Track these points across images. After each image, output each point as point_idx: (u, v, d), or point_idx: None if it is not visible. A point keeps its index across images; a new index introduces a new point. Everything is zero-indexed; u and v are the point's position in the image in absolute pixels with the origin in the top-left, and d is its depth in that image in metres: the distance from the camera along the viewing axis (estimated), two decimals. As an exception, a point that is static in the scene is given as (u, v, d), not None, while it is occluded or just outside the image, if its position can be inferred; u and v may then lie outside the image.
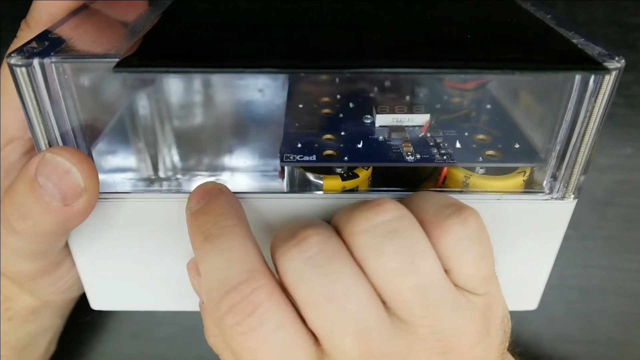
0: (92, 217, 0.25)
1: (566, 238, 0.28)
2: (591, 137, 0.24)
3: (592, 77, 0.23)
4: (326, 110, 0.31)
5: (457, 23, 0.25)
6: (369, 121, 0.30)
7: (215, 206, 0.24)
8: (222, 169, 0.34)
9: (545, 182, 0.27)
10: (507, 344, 0.26)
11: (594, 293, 0.45)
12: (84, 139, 0.25)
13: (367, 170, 0.27)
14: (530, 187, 0.27)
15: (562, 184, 0.26)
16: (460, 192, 0.27)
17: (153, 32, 0.23)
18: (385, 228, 0.22)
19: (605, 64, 0.21)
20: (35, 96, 0.23)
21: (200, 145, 0.36)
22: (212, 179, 0.34)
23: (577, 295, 0.45)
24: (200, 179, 0.34)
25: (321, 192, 0.27)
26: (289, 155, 0.27)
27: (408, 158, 0.27)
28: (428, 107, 0.30)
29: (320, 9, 0.26)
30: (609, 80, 0.22)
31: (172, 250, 0.28)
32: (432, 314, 0.22)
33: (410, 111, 0.29)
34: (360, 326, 0.21)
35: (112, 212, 0.27)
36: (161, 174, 0.36)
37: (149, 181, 0.35)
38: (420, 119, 0.29)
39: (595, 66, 0.21)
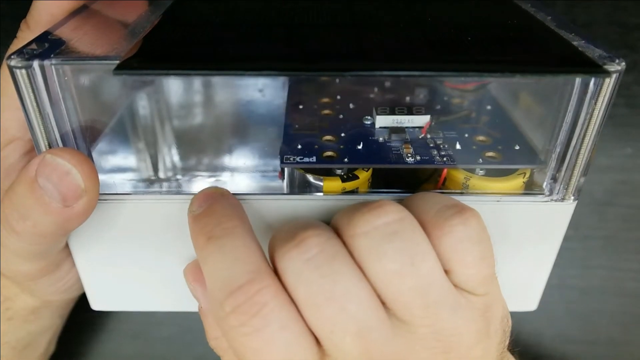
0: (92, 218, 0.25)
1: (566, 238, 0.28)
2: (591, 139, 0.24)
3: (593, 80, 0.23)
4: (326, 111, 0.31)
5: (457, 24, 0.25)
6: (369, 122, 0.30)
7: (217, 208, 0.24)
8: (222, 169, 0.34)
9: (545, 183, 0.27)
10: (506, 344, 0.26)
11: (594, 293, 0.45)
12: (84, 140, 0.25)
13: (367, 171, 0.27)
14: (530, 188, 0.27)
15: (562, 186, 0.26)
16: (460, 193, 0.27)
17: (153, 34, 0.23)
18: (386, 230, 0.22)
19: (606, 66, 0.21)
20: (35, 98, 0.23)
21: (200, 145, 0.36)
22: (212, 179, 0.34)
23: (577, 295, 0.45)
24: (201, 180, 0.34)
25: (321, 194, 0.27)
26: (289, 156, 0.27)
27: (408, 160, 0.27)
28: (428, 108, 0.30)
29: (321, 9, 0.26)
30: (609, 83, 0.22)
31: (172, 251, 0.28)
32: (432, 315, 0.22)
33: (411, 112, 0.29)
34: (360, 326, 0.21)
35: (112, 213, 0.27)
36: (161, 175, 0.36)
37: (149, 182, 0.35)
38: (420, 120, 0.29)
39: (596, 69, 0.21)
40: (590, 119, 0.24)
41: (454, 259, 0.22)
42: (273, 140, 0.31)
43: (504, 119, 0.30)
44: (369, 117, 0.30)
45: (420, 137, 0.29)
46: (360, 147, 0.28)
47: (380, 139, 0.28)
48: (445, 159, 0.27)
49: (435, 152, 0.27)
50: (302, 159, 0.27)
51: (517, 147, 0.28)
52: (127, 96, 0.34)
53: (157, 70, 0.20)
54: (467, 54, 0.21)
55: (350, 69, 0.20)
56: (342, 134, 0.29)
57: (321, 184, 0.27)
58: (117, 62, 0.20)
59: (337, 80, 0.34)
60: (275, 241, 0.23)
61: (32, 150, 0.28)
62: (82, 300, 0.32)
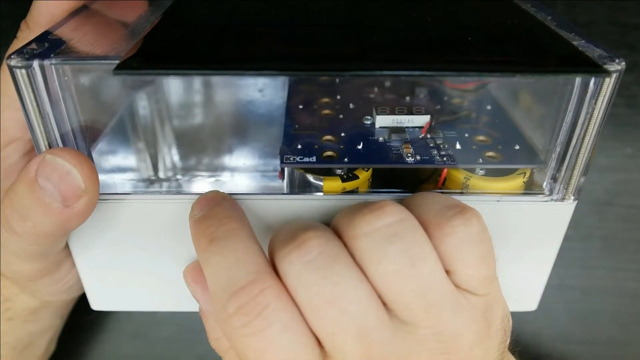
0: (92, 218, 0.25)
1: (566, 238, 0.28)
2: (591, 139, 0.24)
3: (593, 80, 0.23)
4: (326, 111, 0.31)
5: (458, 25, 0.25)
6: (369, 122, 0.30)
7: (219, 211, 0.24)
8: (222, 169, 0.34)
9: (545, 183, 0.27)
10: (507, 344, 0.26)
11: (594, 293, 0.45)
12: (84, 140, 0.25)
13: (367, 171, 0.27)
14: (530, 188, 0.27)
15: (562, 186, 0.26)
16: (460, 193, 0.27)
17: (153, 34, 0.23)
18: (387, 231, 0.22)
19: (606, 66, 0.21)
20: (35, 98, 0.23)
21: (200, 145, 0.36)
22: (212, 179, 0.34)
23: (577, 295, 0.45)
24: (201, 180, 0.34)
25: (321, 194, 0.27)
26: (289, 156, 0.27)
27: (408, 159, 0.27)
28: (428, 108, 0.30)
29: (321, 10, 0.26)
30: (609, 83, 0.22)
31: (172, 251, 0.28)
32: (433, 316, 0.22)
33: (411, 112, 0.29)
34: (361, 328, 0.21)
35: (112, 213, 0.27)
36: (161, 175, 0.36)
37: (149, 182, 0.35)
38: (421, 120, 0.29)
39: (596, 69, 0.21)
40: (590, 118, 0.24)
41: (455, 260, 0.22)
42: (273, 140, 0.31)
43: (504, 119, 0.30)
44: (369, 117, 0.30)
45: (420, 137, 0.29)
46: (360, 147, 0.28)
47: (380, 138, 0.28)
48: (445, 158, 0.27)
49: (435, 152, 0.27)
50: (302, 158, 0.27)
51: (517, 147, 0.28)
52: (127, 96, 0.34)
53: (157, 71, 0.20)
54: (467, 54, 0.21)
55: (350, 69, 0.20)
56: (342, 134, 0.29)
57: (321, 183, 0.27)
58: (117, 62, 0.20)
59: (337, 80, 0.34)
60: (275, 243, 0.23)
61: (32, 151, 0.28)
62: (82, 300, 0.32)
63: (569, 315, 0.45)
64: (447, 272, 0.23)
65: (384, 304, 0.22)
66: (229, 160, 0.35)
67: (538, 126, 0.28)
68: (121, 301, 0.31)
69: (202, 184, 0.34)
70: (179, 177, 0.35)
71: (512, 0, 0.28)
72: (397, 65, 0.20)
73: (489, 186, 0.27)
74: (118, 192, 0.26)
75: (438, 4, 0.27)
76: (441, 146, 0.28)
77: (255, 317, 0.21)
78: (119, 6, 0.28)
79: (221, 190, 0.25)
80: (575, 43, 0.23)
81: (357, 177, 0.27)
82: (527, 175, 0.27)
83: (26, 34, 0.27)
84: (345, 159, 0.27)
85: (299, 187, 0.28)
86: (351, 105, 0.31)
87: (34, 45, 0.23)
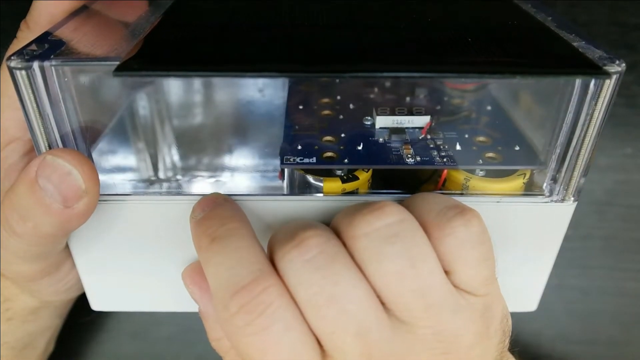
0: (92, 218, 0.25)
1: (566, 238, 0.28)
2: (591, 140, 0.24)
3: (593, 81, 0.23)
4: (326, 112, 0.31)
5: (458, 25, 0.25)
6: (369, 123, 0.30)
7: (220, 211, 0.24)
8: (222, 169, 0.34)
9: (545, 184, 0.27)
10: (506, 344, 0.26)
11: (594, 293, 0.45)
12: (84, 140, 0.25)
13: (367, 172, 0.27)
14: (530, 189, 0.27)
15: (562, 187, 0.26)
16: (460, 194, 0.27)
17: (153, 35, 0.23)
18: (387, 232, 0.22)
19: (606, 67, 0.21)
20: (35, 99, 0.23)
21: (200, 146, 0.36)
22: (212, 179, 0.34)
23: (577, 295, 0.45)
24: (201, 180, 0.34)
25: (321, 194, 0.27)
26: (289, 157, 0.27)
27: (408, 160, 0.27)
28: (428, 109, 0.30)
29: (321, 10, 0.26)
30: (609, 84, 0.22)
31: (172, 251, 0.28)
32: (433, 316, 0.22)
33: (411, 113, 0.29)
34: (360, 327, 0.21)
35: (113, 214, 0.27)
36: (161, 175, 0.36)
37: (149, 182, 0.35)
38: (421, 121, 0.29)
39: (596, 70, 0.21)
40: (590, 120, 0.24)
41: (455, 260, 0.22)
42: (273, 140, 0.31)
43: (504, 120, 0.30)
44: (369, 118, 0.30)
45: (420, 137, 0.29)
46: (360, 147, 0.28)
47: (381, 139, 0.28)
48: (445, 159, 0.27)
49: (436, 153, 0.27)
50: (302, 159, 0.27)
51: (517, 148, 0.28)
52: (127, 96, 0.34)
53: (157, 72, 0.20)
54: (468, 54, 0.21)
55: (350, 70, 0.20)
56: (342, 135, 0.29)
57: (321, 184, 0.27)
58: (117, 63, 0.20)
59: (337, 81, 0.34)
60: (274, 242, 0.23)
61: (32, 151, 0.28)
62: (82, 300, 0.32)
63: (569, 315, 0.45)
64: (447, 272, 0.23)
65: (383, 304, 0.22)
66: (229, 160, 0.35)
67: (538, 127, 0.28)
68: (121, 302, 0.31)
69: (202, 185, 0.34)
70: (179, 177, 0.35)
71: (512, 0, 0.28)
72: (397, 66, 0.20)
73: (489, 187, 0.27)
74: (118, 193, 0.26)
75: (438, 4, 0.27)
76: (441, 147, 0.28)
77: (258, 315, 0.21)
78: (119, 6, 0.28)
79: (221, 191, 0.26)
80: (575, 44, 0.23)
81: (357, 178, 0.27)
82: (527, 176, 0.27)
83: (26, 34, 0.27)
84: (346, 160, 0.27)
85: (299, 187, 0.28)
86: (351, 106, 0.31)
87: (34, 47, 0.23)
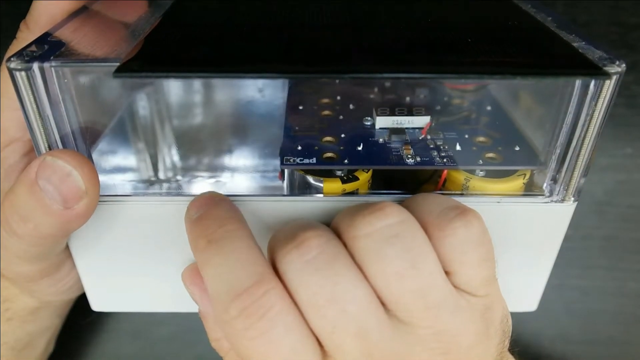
0: (92, 219, 0.25)
1: (566, 238, 0.28)
2: (591, 140, 0.24)
3: (593, 82, 0.23)
4: (326, 112, 0.31)
5: (458, 26, 0.25)
6: (369, 123, 0.30)
7: (217, 212, 0.24)
8: (222, 170, 0.34)
9: (545, 184, 0.27)
10: (506, 344, 0.26)
11: (594, 293, 0.45)
12: (84, 141, 0.25)
13: (367, 172, 0.27)
14: (530, 189, 0.27)
15: (562, 187, 0.26)
16: (461, 194, 0.27)
17: (153, 35, 0.23)
18: (387, 232, 0.22)
19: (606, 68, 0.21)
20: (35, 100, 0.23)
21: (200, 146, 0.36)
22: (212, 180, 0.34)
23: (577, 295, 0.45)
24: (201, 180, 0.34)
25: (321, 195, 0.27)
26: (289, 157, 0.27)
27: (408, 161, 0.27)
28: (428, 109, 0.30)
29: (321, 11, 0.26)
30: (609, 85, 0.22)
31: (172, 251, 0.28)
32: (433, 316, 0.22)
33: (411, 113, 0.29)
34: (361, 327, 0.21)
35: (113, 215, 0.27)
36: (161, 176, 0.36)
37: (149, 183, 0.35)
38: (421, 121, 0.29)
39: (596, 71, 0.21)
40: (590, 120, 0.24)
41: (455, 261, 0.22)
42: (273, 141, 0.31)
43: (504, 120, 0.30)
44: (369, 118, 0.30)
45: (420, 138, 0.29)
46: (360, 148, 0.28)
47: (381, 140, 0.28)
48: (445, 160, 0.27)
49: (436, 153, 0.27)
50: (302, 160, 0.27)
51: (517, 148, 0.28)
52: (126, 97, 0.34)
53: (158, 73, 0.20)
54: (468, 55, 0.21)
55: (350, 71, 0.20)
56: (342, 135, 0.29)
57: (321, 185, 0.27)
58: (117, 64, 0.20)
59: (337, 81, 0.34)
60: (275, 242, 0.23)
61: (32, 151, 0.28)
62: (82, 300, 0.32)
63: (569, 315, 0.45)
64: (447, 273, 0.23)
65: (384, 304, 0.22)
66: (229, 161, 0.35)
67: (538, 127, 0.28)
68: (121, 302, 0.31)
69: (202, 185, 0.34)
70: (179, 178, 0.35)
71: (512, 0, 0.28)
72: (397, 67, 0.20)
73: (489, 187, 0.27)
74: (118, 194, 0.26)
75: (438, 4, 0.27)
76: (441, 147, 0.28)
77: (258, 319, 0.21)
78: (119, 7, 0.28)
79: (221, 191, 0.25)
80: (575, 44, 0.23)
81: (357, 179, 0.27)
82: (527, 176, 0.27)
83: (26, 35, 0.27)
84: (346, 160, 0.27)
85: (299, 188, 0.28)
86: (351, 106, 0.31)
87: (33, 48, 0.23)
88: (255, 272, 0.21)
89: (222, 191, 0.26)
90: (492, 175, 0.27)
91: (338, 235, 0.23)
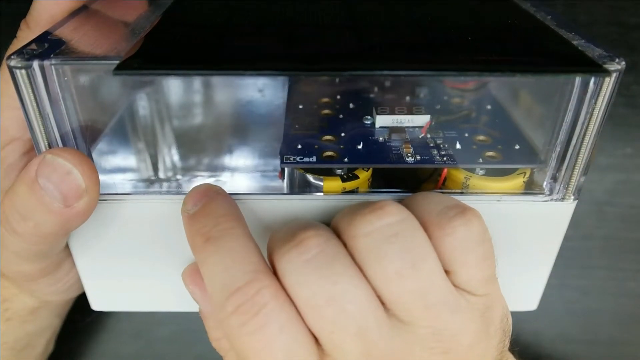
0: (92, 218, 0.25)
1: (566, 238, 0.28)
2: (591, 138, 0.24)
3: (593, 79, 0.23)
4: (326, 111, 0.31)
5: (457, 24, 0.25)
6: (369, 122, 0.30)
7: (214, 208, 0.24)
8: (222, 169, 0.34)
9: (545, 183, 0.27)
10: (506, 343, 0.26)
11: (594, 293, 0.45)
12: (84, 140, 0.25)
13: (367, 171, 0.27)
14: (530, 188, 0.27)
15: (562, 185, 0.26)
16: (461, 193, 0.27)
17: (153, 34, 0.23)
18: (387, 232, 0.22)
19: (606, 66, 0.21)
20: (35, 98, 0.23)
21: (200, 145, 0.36)
22: (212, 179, 0.34)
23: (577, 295, 0.45)
24: (201, 180, 0.34)
25: (321, 194, 0.27)
26: (289, 156, 0.27)
27: (408, 159, 0.27)
28: (428, 108, 0.30)
29: (320, 10, 0.26)
30: (609, 82, 0.22)
31: (172, 251, 0.28)
32: (433, 316, 0.22)
33: (411, 112, 0.29)
34: (360, 327, 0.21)
35: (113, 213, 0.27)
36: (161, 175, 0.36)
37: (149, 182, 0.35)
38: (421, 120, 0.29)
39: (596, 68, 0.21)
40: (590, 118, 0.24)
41: (455, 260, 0.22)
42: (273, 140, 0.31)
43: (504, 119, 0.30)
44: (369, 117, 0.30)
45: (420, 136, 0.29)
46: (360, 147, 0.28)
47: (380, 138, 0.28)
48: (445, 158, 0.27)
49: (435, 152, 0.27)
50: (302, 158, 0.27)
51: (517, 147, 0.28)
52: (127, 96, 0.34)
53: (157, 71, 0.20)
54: (467, 53, 0.21)
55: (349, 69, 0.20)
56: (342, 134, 0.29)
57: (321, 183, 0.27)
58: (117, 62, 0.20)
59: (337, 80, 0.34)
60: (274, 241, 0.23)
61: (32, 150, 0.28)
62: (82, 300, 0.32)
63: (569, 315, 0.45)
64: (447, 272, 0.23)
65: (383, 303, 0.22)
66: (229, 160, 0.35)
67: (538, 126, 0.28)
68: (121, 301, 0.31)
69: (202, 184, 0.34)
70: (179, 177, 0.36)
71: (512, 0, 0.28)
72: (397, 65, 0.20)
73: (489, 186, 0.27)
74: (118, 192, 0.26)
75: (438, 3, 0.27)
76: (441, 146, 0.28)
77: (252, 316, 0.21)
78: (119, 6, 0.28)
79: None
80: (575, 42, 0.23)
81: (357, 177, 0.27)
82: (527, 175, 0.27)
83: (26, 34, 0.27)
84: (346, 159, 0.27)
85: (299, 187, 0.28)
86: (351, 105, 0.31)
87: (33, 46, 0.23)
88: (249, 270, 0.21)
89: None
90: (492, 173, 0.27)
91: (338, 234, 0.23)
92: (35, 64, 0.22)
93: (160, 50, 0.21)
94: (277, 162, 0.27)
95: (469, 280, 0.23)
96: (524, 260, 0.28)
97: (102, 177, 0.24)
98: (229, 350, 0.26)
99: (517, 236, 0.27)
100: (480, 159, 0.27)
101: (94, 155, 0.27)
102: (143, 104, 0.35)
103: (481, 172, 0.27)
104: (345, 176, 0.27)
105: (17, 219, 0.24)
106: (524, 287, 0.30)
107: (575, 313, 0.45)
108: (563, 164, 0.25)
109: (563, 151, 0.25)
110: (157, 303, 0.31)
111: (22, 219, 0.24)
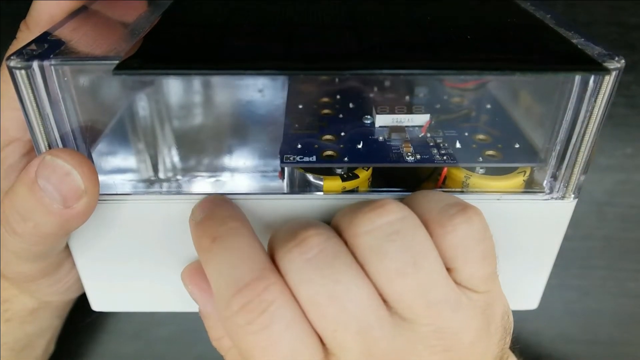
0: (92, 218, 0.25)
1: (566, 238, 0.28)
2: (591, 137, 0.24)
3: (592, 78, 0.23)
4: (326, 111, 0.31)
5: (457, 23, 0.25)
6: (368, 121, 0.30)
7: (220, 211, 0.24)
8: (222, 169, 0.34)
9: (545, 182, 0.27)
10: (507, 341, 0.26)
11: (594, 293, 0.45)
12: (84, 140, 0.25)
13: (367, 170, 0.27)
14: (531, 187, 0.27)
15: (562, 184, 0.26)
16: (461, 192, 0.27)
17: (153, 34, 0.23)
18: (388, 229, 0.22)
19: (605, 64, 0.21)
20: (35, 98, 0.23)
21: (200, 146, 0.36)
22: (212, 179, 0.34)
23: (577, 295, 0.45)
24: (201, 180, 0.34)
25: (321, 193, 0.27)
26: (289, 156, 0.27)
27: (408, 158, 0.27)
28: (428, 107, 0.30)
29: (320, 9, 0.26)
30: (608, 81, 0.22)
31: (172, 251, 0.28)
32: (434, 314, 0.22)
33: (410, 111, 0.29)
34: (362, 325, 0.21)
35: (113, 214, 0.27)
36: (161, 175, 0.36)
37: (149, 182, 0.35)
38: (420, 119, 0.29)
39: (595, 67, 0.21)
40: (590, 116, 0.24)
41: (457, 258, 0.22)
42: (273, 140, 0.31)
43: (504, 118, 0.30)
44: (369, 116, 0.30)
45: (420, 136, 0.29)
46: (360, 146, 0.28)
47: (380, 138, 0.28)
48: (445, 157, 0.27)
49: (435, 151, 0.27)
50: (302, 158, 0.27)
51: (517, 146, 0.28)
52: (127, 97, 0.34)
53: (157, 71, 0.20)
54: (467, 52, 0.21)
55: (349, 68, 0.20)
56: (342, 134, 0.29)
57: (321, 183, 0.27)
58: (117, 62, 0.20)
59: (337, 80, 0.34)
60: (275, 241, 0.23)
61: (32, 151, 0.28)
62: (82, 300, 0.32)
63: (569, 315, 0.45)
64: (448, 270, 0.23)
65: (385, 301, 0.22)
66: (229, 160, 0.35)
67: (538, 124, 0.28)
68: (122, 302, 0.31)
69: (202, 185, 0.34)
70: (179, 177, 0.35)
71: (512, -1, 0.28)
72: (397, 64, 0.20)
73: (489, 185, 0.27)
74: (118, 193, 0.26)
75: (437, 3, 0.27)
76: (441, 145, 0.28)
77: (259, 314, 0.21)
78: (119, 6, 0.28)
79: (221, 191, 0.26)
80: (574, 41, 0.23)
81: (357, 177, 0.27)
82: (527, 173, 0.27)
83: (26, 35, 0.27)
84: (345, 159, 0.27)
85: (299, 186, 0.28)
86: (351, 105, 0.31)
87: (33, 46, 0.23)
88: (256, 267, 0.21)
89: (222, 191, 0.26)
90: (492, 172, 0.27)
91: (339, 233, 0.23)
92: (35, 64, 0.22)
93: (160, 50, 0.21)
94: (277, 162, 0.27)
95: (470, 278, 0.23)
96: (524, 258, 0.28)
97: (102, 178, 0.24)
98: (230, 350, 0.26)
99: (517, 235, 0.27)
100: (480, 158, 0.27)
101: (94, 155, 0.27)
102: (143, 104, 0.35)
103: (481, 171, 0.27)
104: (345, 175, 0.27)
105: (17, 219, 0.24)
106: (525, 285, 0.30)
107: (575, 313, 0.45)
108: (563, 162, 0.25)
109: (563, 150, 0.25)
110: (158, 303, 0.31)
111: (22, 220, 0.24)
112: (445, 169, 0.28)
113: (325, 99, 0.32)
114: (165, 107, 0.36)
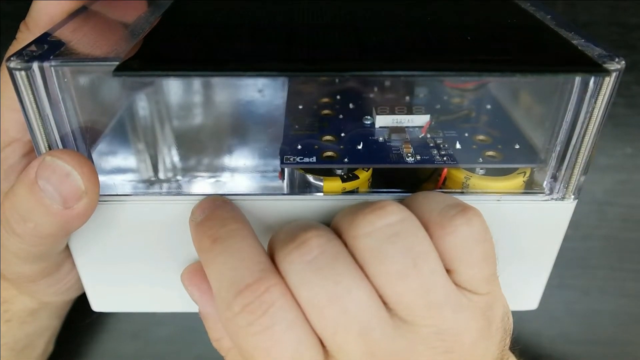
0: (92, 219, 0.25)
1: (566, 238, 0.28)
2: (591, 137, 0.24)
3: (592, 79, 0.23)
4: (326, 112, 0.31)
5: (457, 24, 0.25)
6: (369, 122, 0.30)
7: (220, 212, 0.24)
8: (222, 170, 0.34)
9: (545, 182, 0.27)
10: (507, 342, 0.26)
11: (594, 293, 0.45)
12: (84, 141, 0.25)
13: (367, 171, 0.27)
14: (531, 187, 0.27)
15: (562, 185, 0.26)
16: (461, 193, 0.27)
17: (152, 35, 0.23)
18: (388, 231, 0.22)
19: (605, 65, 0.21)
20: (35, 99, 0.23)
21: (200, 146, 0.36)
22: (212, 180, 0.34)
23: (577, 295, 0.45)
24: (201, 180, 0.34)
25: (321, 194, 0.27)
26: (289, 156, 0.27)
27: (408, 159, 0.27)
28: (428, 108, 0.30)
29: (320, 10, 0.26)
30: (609, 82, 0.22)
31: (172, 251, 0.28)
32: (435, 315, 0.22)
33: (410, 112, 0.29)
34: (362, 327, 0.21)
35: (113, 214, 0.27)
36: (161, 176, 0.36)
37: (149, 183, 0.35)
38: (420, 120, 0.29)
39: (595, 68, 0.21)
40: (590, 117, 0.24)
41: (457, 259, 0.22)
42: (273, 140, 0.31)
43: (504, 118, 0.30)
44: (369, 117, 0.30)
45: (420, 136, 0.29)
46: (360, 147, 0.28)
47: (380, 138, 0.28)
48: (445, 158, 0.27)
49: (436, 152, 0.27)
50: (302, 159, 0.27)
51: (517, 146, 0.28)
52: (126, 97, 0.34)
53: (157, 72, 0.20)
54: (467, 53, 0.21)
55: (350, 69, 0.20)
56: (342, 134, 0.29)
57: (321, 184, 0.27)
58: (117, 63, 0.20)
59: (337, 80, 0.34)
60: (275, 242, 0.23)
61: (32, 152, 0.28)
62: (82, 300, 0.32)
63: (569, 315, 0.45)
64: (449, 271, 0.23)
65: (385, 303, 0.22)
66: (229, 161, 0.35)
67: (538, 125, 0.28)
68: (121, 302, 0.31)
69: (202, 185, 0.34)
70: (179, 178, 0.35)
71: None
72: (397, 65, 0.20)
73: (489, 185, 0.27)
74: (118, 193, 0.26)
75: (437, 3, 0.27)
76: (441, 146, 0.28)
77: (261, 315, 0.21)
78: (119, 7, 0.28)
79: (221, 191, 0.26)
80: (574, 42, 0.23)
81: (357, 177, 0.27)
82: (527, 174, 0.27)
83: (25, 35, 0.27)
84: (346, 159, 0.27)
85: (299, 187, 0.28)
86: (351, 106, 0.31)
87: (33, 47, 0.23)
88: (257, 269, 0.21)
89: (222, 191, 0.26)
90: (492, 173, 0.27)
91: (339, 234, 0.23)
92: (35, 65, 0.22)
93: (159, 51, 0.21)
94: (277, 162, 0.27)
95: (470, 279, 0.23)
96: (524, 259, 0.28)
97: (102, 178, 0.24)
98: (230, 350, 0.26)
99: (517, 235, 0.27)
100: (480, 159, 0.27)
101: (94, 156, 0.27)
102: (143, 105, 0.35)
103: (481, 171, 0.27)
104: (345, 176, 0.27)
105: (17, 220, 0.24)
106: (525, 286, 0.30)
107: (575, 313, 0.45)
108: (563, 163, 0.25)
109: (563, 150, 0.25)
110: (158, 304, 0.31)
111: (22, 220, 0.24)
112: (445, 170, 0.27)
113: (325, 100, 0.32)
114: (165, 108, 0.36)
